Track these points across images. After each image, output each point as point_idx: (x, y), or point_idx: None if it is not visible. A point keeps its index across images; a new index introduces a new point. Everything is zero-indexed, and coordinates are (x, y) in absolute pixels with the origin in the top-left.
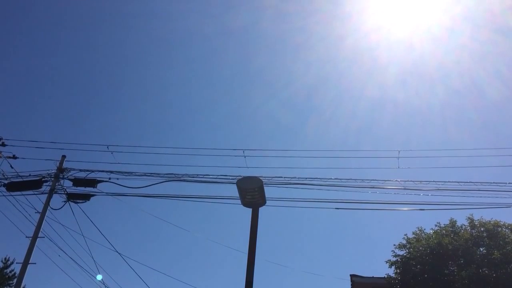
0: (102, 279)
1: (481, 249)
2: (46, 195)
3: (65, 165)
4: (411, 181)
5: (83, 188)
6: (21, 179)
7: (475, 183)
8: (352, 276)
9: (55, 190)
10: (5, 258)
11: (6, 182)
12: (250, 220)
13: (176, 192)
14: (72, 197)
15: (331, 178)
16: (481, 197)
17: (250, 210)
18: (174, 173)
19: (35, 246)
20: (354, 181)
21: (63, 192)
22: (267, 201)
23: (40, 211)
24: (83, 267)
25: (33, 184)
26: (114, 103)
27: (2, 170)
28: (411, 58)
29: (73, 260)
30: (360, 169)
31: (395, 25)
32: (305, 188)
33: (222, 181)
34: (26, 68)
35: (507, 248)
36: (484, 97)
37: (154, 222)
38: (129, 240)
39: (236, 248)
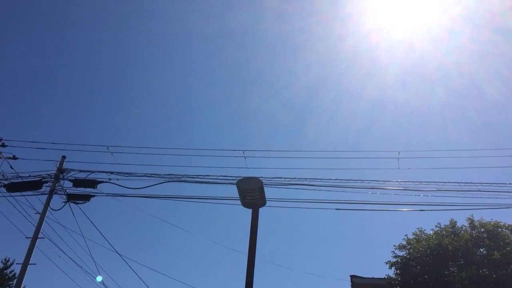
0: (102, 280)
1: (481, 250)
2: (46, 195)
3: (65, 165)
4: (411, 181)
5: (83, 189)
6: (21, 180)
7: (475, 184)
8: (352, 277)
9: (55, 190)
10: (5, 259)
11: (6, 182)
12: (250, 221)
13: (176, 192)
14: (72, 198)
15: (331, 179)
16: (481, 197)
17: (250, 210)
18: (174, 173)
19: (35, 246)
20: (354, 181)
21: (63, 193)
22: (267, 201)
23: (40, 211)
24: (83, 268)
25: (33, 185)
26: (114, 103)
27: (2, 171)
28: (411, 59)
29: (73, 261)
30: (360, 170)
31: (395, 26)
32: (305, 189)
33: (222, 182)
34: (26, 68)
35: (507, 249)
36: (484, 98)
37: (154, 223)
38: (129, 241)
39: (236, 249)
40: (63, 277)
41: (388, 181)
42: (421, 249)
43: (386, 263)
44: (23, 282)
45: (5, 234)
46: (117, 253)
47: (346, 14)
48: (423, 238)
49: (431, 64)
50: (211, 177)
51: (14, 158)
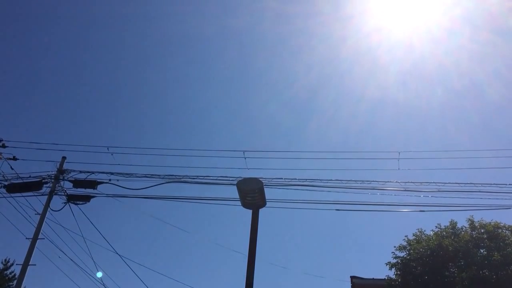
0: (102, 281)
1: (482, 250)
2: (46, 196)
3: (65, 166)
4: (411, 182)
5: (83, 190)
6: (21, 181)
7: (476, 185)
8: (352, 277)
9: (55, 191)
10: (5, 260)
11: (6, 183)
12: (250, 221)
13: (176, 193)
14: (72, 199)
15: (331, 180)
16: (481, 198)
17: (250, 211)
18: (175, 174)
19: (35, 247)
20: (354, 182)
21: (63, 194)
22: (267, 202)
23: (40, 212)
24: (83, 269)
25: (33, 186)
26: (114, 104)
27: (2, 172)
28: (411, 59)
29: (73, 261)
30: (361, 170)
31: (395, 26)
32: (306, 190)
33: (222, 183)
34: (26, 69)
35: (508, 249)
36: (484, 98)
37: (154, 224)
38: (129, 242)
39: (236, 249)
40: (63, 278)
41: (388, 181)
42: (421, 250)
43: (386, 264)
44: (23, 283)
45: (5, 235)
46: (117, 253)
47: (347, 15)
48: (423, 239)
49: (431, 65)
50: (211, 177)
51: (14, 159)
